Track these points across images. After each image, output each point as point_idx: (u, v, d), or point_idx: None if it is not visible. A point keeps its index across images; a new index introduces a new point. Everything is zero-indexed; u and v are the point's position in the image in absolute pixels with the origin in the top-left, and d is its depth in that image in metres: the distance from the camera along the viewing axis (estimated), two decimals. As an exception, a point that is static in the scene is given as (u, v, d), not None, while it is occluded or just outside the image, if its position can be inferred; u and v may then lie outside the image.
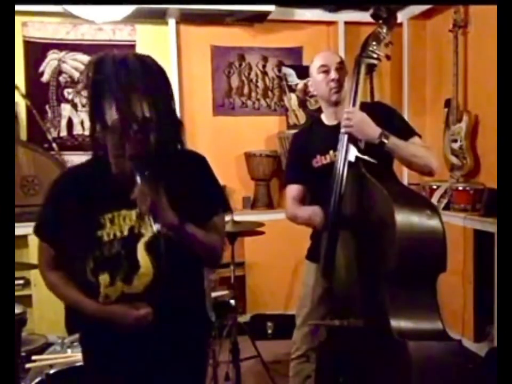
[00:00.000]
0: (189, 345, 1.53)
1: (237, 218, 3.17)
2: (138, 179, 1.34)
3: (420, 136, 2.17)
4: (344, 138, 1.99)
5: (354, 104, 2.02)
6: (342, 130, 1.99)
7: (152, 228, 1.37)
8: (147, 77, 1.38)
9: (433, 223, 1.69)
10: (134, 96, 1.36)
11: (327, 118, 2.28)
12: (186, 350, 1.52)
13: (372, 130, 1.96)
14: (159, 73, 1.44)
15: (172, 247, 1.40)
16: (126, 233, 1.45)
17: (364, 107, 2.07)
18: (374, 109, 2.11)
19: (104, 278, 1.44)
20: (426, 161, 2.05)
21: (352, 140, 1.97)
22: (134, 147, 1.38)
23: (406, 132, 2.12)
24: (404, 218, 1.67)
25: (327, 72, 2.19)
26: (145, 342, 1.44)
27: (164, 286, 1.42)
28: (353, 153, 1.96)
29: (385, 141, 1.95)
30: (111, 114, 1.36)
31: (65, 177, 1.61)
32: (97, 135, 1.43)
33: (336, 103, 2.20)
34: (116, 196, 1.44)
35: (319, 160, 2.22)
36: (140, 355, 1.46)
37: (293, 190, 2.32)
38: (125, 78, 1.35)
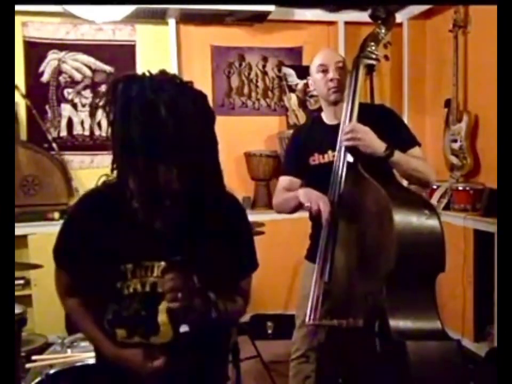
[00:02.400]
0: None
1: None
2: (169, 267, 1.24)
3: (419, 145, 2.17)
4: (342, 146, 1.99)
5: (353, 104, 2.01)
6: (347, 143, 1.98)
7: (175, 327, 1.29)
8: (181, 129, 1.14)
9: (432, 223, 1.69)
10: (162, 163, 1.17)
11: (327, 117, 2.28)
12: None
13: (378, 145, 1.96)
14: (198, 112, 1.19)
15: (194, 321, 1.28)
16: (147, 289, 1.32)
17: (365, 108, 2.07)
18: (376, 112, 2.11)
19: (121, 333, 1.35)
20: (426, 176, 2.08)
21: (351, 152, 1.97)
22: (163, 221, 1.27)
23: (407, 141, 2.12)
24: (402, 218, 1.67)
25: (325, 71, 2.18)
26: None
27: (182, 350, 1.32)
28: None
29: (391, 155, 1.96)
30: (134, 183, 1.21)
31: (86, 204, 1.42)
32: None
33: (336, 103, 2.20)
34: (139, 242, 1.31)
35: (317, 159, 2.22)
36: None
37: (284, 181, 2.31)
38: (150, 138, 1.13)
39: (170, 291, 1.22)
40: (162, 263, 1.31)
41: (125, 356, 1.33)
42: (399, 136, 2.09)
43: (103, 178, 1.40)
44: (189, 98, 1.19)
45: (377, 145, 1.96)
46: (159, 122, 1.13)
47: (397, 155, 1.97)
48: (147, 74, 1.22)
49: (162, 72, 1.23)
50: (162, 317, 1.32)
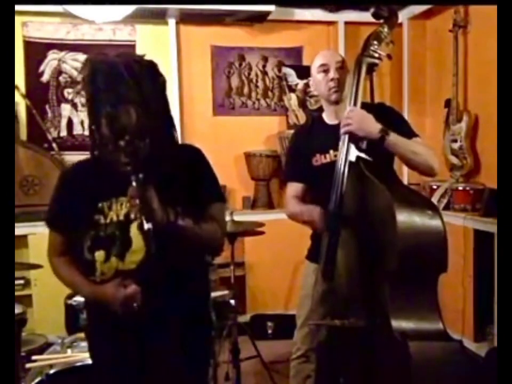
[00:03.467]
0: (187, 324, 1.55)
1: (237, 218, 3.17)
2: (133, 182, 1.42)
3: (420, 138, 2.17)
4: (345, 138, 1.98)
5: (355, 104, 2.01)
6: (342, 130, 1.98)
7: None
8: (136, 82, 1.46)
9: (435, 223, 1.69)
10: (123, 106, 1.46)
11: (328, 117, 2.28)
12: (184, 328, 1.54)
13: (372, 126, 1.95)
14: (149, 73, 1.51)
15: (162, 233, 1.44)
16: (122, 217, 1.55)
17: (365, 107, 2.07)
18: (375, 110, 2.11)
19: (99, 255, 1.54)
20: (427, 159, 2.04)
21: (353, 140, 1.96)
22: (127, 156, 1.47)
23: (407, 133, 2.12)
24: (405, 218, 1.67)
25: (326, 71, 2.19)
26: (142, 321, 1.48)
27: (155, 264, 1.46)
28: (354, 153, 1.96)
29: (386, 136, 1.93)
30: (103, 126, 1.48)
31: (71, 170, 1.74)
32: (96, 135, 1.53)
33: (336, 102, 2.20)
34: (115, 185, 1.53)
35: (319, 159, 2.22)
36: (140, 338, 1.51)
37: (293, 188, 2.32)
38: (112, 88, 1.44)
39: (130, 198, 1.44)
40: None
41: (101, 290, 1.53)
42: (398, 129, 2.08)
43: None
44: (142, 62, 1.53)
45: (370, 127, 1.95)
46: (118, 75, 1.44)
47: (393, 136, 1.95)
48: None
49: (123, 52, 1.59)
50: (133, 232, 1.53)
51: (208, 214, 1.62)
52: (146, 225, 1.39)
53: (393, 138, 1.95)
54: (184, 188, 1.55)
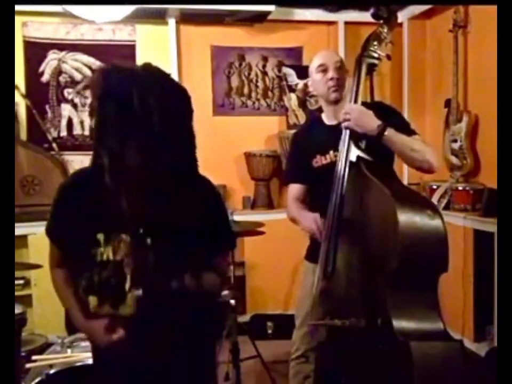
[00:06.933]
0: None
1: (237, 218, 3.17)
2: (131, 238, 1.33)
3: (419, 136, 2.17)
4: (345, 137, 1.99)
5: (356, 102, 2.02)
6: (342, 125, 1.99)
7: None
8: (162, 121, 1.31)
9: (435, 223, 1.69)
10: (137, 142, 1.30)
11: (327, 118, 2.28)
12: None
13: (370, 122, 1.96)
14: (179, 107, 1.39)
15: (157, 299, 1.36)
16: (118, 258, 1.41)
17: (366, 107, 2.07)
18: (374, 108, 2.11)
19: (93, 300, 1.42)
20: (426, 156, 2.03)
21: (353, 137, 1.97)
22: (131, 194, 1.35)
23: (406, 131, 2.12)
24: (406, 218, 1.66)
25: (325, 71, 2.19)
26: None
27: (147, 322, 1.40)
28: (354, 153, 1.96)
29: (384, 132, 1.94)
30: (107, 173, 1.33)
31: (71, 182, 1.57)
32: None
33: (336, 102, 2.20)
34: (112, 214, 1.39)
35: (319, 160, 2.22)
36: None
37: (294, 190, 2.32)
38: (126, 120, 1.28)
39: (133, 260, 1.35)
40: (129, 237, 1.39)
41: (90, 326, 1.45)
42: (399, 128, 2.08)
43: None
44: (171, 88, 1.37)
45: (369, 123, 1.96)
46: (130, 104, 1.26)
47: (391, 132, 1.96)
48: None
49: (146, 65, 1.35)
50: (129, 285, 1.39)
51: (214, 263, 1.51)
52: (138, 292, 1.31)
53: (391, 134, 1.96)
54: (195, 231, 1.40)
